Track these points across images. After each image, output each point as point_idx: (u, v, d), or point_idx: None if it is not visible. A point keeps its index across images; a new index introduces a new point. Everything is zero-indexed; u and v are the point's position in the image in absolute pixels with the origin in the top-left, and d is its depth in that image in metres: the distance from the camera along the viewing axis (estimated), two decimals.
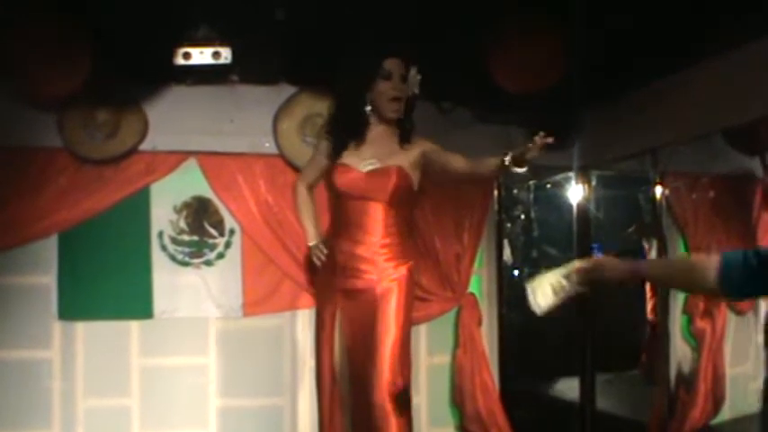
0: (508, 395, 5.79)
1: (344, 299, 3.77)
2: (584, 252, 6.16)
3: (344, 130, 3.88)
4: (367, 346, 3.66)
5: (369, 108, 3.83)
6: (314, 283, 4.14)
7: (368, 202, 3.76)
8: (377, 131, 3.87)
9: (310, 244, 4.06)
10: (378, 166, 3.78)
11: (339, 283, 3.78)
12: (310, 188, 4.15)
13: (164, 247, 5.16)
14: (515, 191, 6.86)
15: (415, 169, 3.87)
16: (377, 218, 3.75)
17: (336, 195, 3.85)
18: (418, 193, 4.00)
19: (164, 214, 5.16)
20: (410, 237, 4.02)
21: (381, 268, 3.74)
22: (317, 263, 3.98)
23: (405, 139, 3.87)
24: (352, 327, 3.75)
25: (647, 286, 5.96)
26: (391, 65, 3.79)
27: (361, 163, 3.80)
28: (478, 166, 3.74)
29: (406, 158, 3.84)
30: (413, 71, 3.85)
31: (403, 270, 3.79)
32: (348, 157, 3.84)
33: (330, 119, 4.02)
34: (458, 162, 3.82)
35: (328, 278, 3.86)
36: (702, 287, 2.45)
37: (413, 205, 4.06)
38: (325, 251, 3.93)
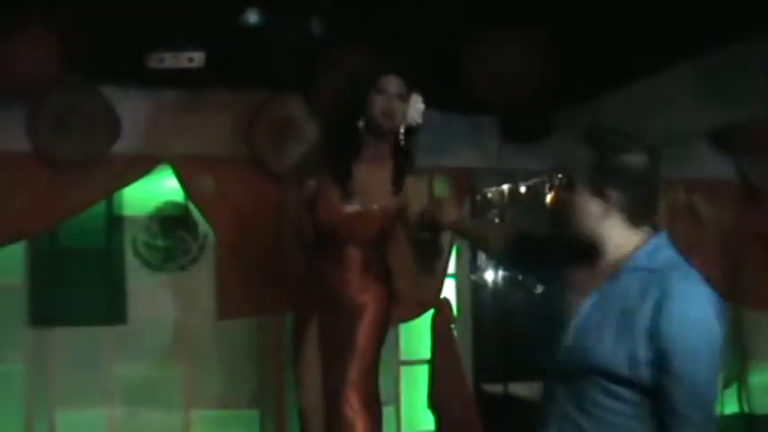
0: (483, 398, 5.80)
1: (320, 309, 3.74)
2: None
3: (338, 150, 3.71)
4: (338, 357, 3.64)
5: (362, 123, 3.66)
6: (292, 290, 4.07)
7: (347, 242, 3.70)
8: (370, 156, 3.70)
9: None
10: (362, 208, 3.66)
11: (316, 295, 3.75)
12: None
13: (137, 252, 5.14)
14: (489, 194, 6.86)
15: (398, 212, 3.78)
16: (356, 255, 3.70)
17: (316, 225, 3.74)
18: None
19: (137, 219, 5.14)
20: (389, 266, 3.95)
21: (360, 286, 3.70)
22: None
23: (398, 186, 3.74)
24: (326, 337, 3.72)
25: None
26: (387, 81, 3.65)
27: (345, 199, 3.66)
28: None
29: (393, 203, 3.74)
30: (415, 97, 3.72)
31: (382, 288, 3.76)
32: (334, 187, 3.68)
33: (323, 140, 3.92)
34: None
35: (305, 287, 3.82)
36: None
37: (395, 238, 3.96)
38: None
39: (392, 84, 3.65)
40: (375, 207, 3.67)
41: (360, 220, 3.66)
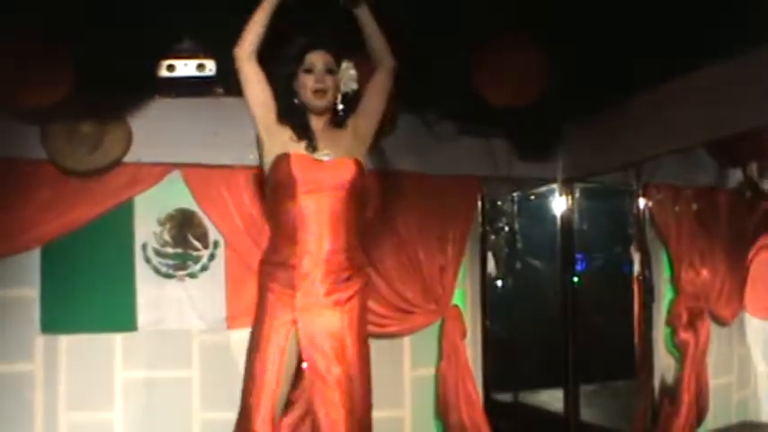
0: (492, 407, 5.80)
1: (305, 313, 3.48)
2: (568, 263, 6.19)
3: (288, 123, 3.62)
4: (326, 364, 3.50)
5: (298, 102, 3.62)
6: (266, 302, 3.60)
7: (326, 196, 3.51)
8: (317, 125, 3.64)
9: None
10: (334, 157, 3.57)
11: (297, 299, 3.48)
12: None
13: (148, 260, 5.15)
14: (499, 203, 6.88)
15: (363, 144, 3.71)
16: (336, 211, 3.51)
17: (288, 193, 3.51)
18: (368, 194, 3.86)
19: (148, 226, 5.16)
20: (362, 245, 3.81)
21: (340, 277, 3.52)
22: None
23: (339, 124, 3.69)
24: (309, 343, 3.47)
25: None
26: (314, 58, 3.60)
27: (315, 154, 3.56)
28: (371, 47, 3.67)
29: (354, 141, 3.67)
30: (345, 65, 3.68)
31: (359, 281, 3.64)
32: (299, 148, 3.56)
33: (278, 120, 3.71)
34: (375, 84, 3.71)
35: (284, 294, 3.52)
36: None
37: (365, 208, 3.86)
38: None
39: (320, 60, 3.61)
40: (343, 155, 3.59)
41: (336, 167, 3.55)
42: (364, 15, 3.63)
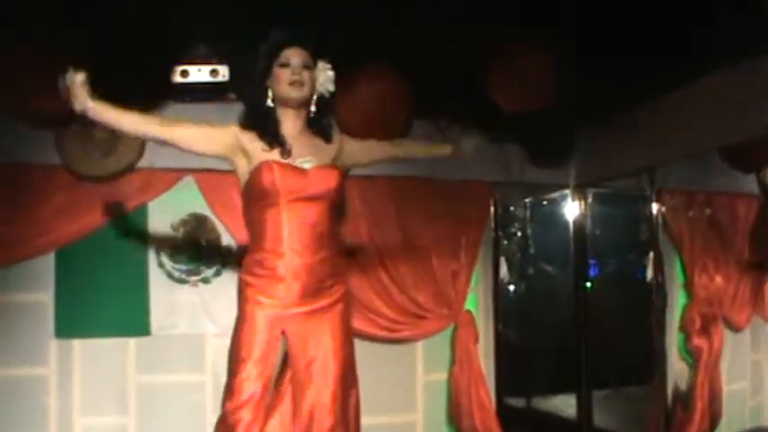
0: (505, 412, 5.80)
1: (291, 323, 3.39)
2: (581, 269, 6.18)
3: (256, 128, 3.44)
4: (315, 371, 3.46)
5: (270, 101, 3.44)
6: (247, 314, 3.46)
7: (309, 205, 3.39)
8: (292, 129, 3.48)
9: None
10: (315, 163, 3.43)
11: (285, 305, 3.38)
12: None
13: (161, 265, 5.17)
14: (512, 208, 6.87)
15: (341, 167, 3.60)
16: (318, 220, 3.41)
17: (269, 203, 3.38)
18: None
19: (161, 232, 5.17)
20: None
21: (323, 286, 3.43)
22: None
23: (325, 136, 3.55)
24: (297, 353, 3.39)
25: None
26: (290, 54, 3.43)
27: (296, 161, 3.40)
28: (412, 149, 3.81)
29: (335, 158, 3.55)
30: (321, 65, 3.50)
31: (341, 288, 3.51)
32: (274, 155, 3.40)
33: (242, 117, 3.54)
34: (384, 148, 3.79)
35: (267, 306, 3.40)
36: None
37: (343, 215, 3.84)
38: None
39: (296, 55, 3.45)
40: (326, 164, 3.46)
41: (320, 174, 3.42)
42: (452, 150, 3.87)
